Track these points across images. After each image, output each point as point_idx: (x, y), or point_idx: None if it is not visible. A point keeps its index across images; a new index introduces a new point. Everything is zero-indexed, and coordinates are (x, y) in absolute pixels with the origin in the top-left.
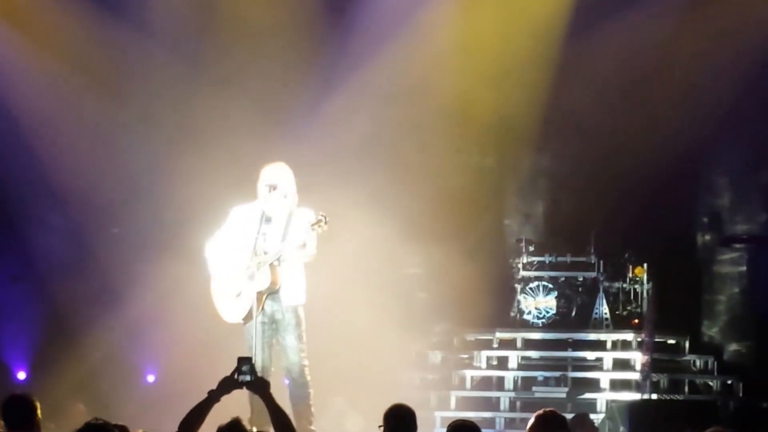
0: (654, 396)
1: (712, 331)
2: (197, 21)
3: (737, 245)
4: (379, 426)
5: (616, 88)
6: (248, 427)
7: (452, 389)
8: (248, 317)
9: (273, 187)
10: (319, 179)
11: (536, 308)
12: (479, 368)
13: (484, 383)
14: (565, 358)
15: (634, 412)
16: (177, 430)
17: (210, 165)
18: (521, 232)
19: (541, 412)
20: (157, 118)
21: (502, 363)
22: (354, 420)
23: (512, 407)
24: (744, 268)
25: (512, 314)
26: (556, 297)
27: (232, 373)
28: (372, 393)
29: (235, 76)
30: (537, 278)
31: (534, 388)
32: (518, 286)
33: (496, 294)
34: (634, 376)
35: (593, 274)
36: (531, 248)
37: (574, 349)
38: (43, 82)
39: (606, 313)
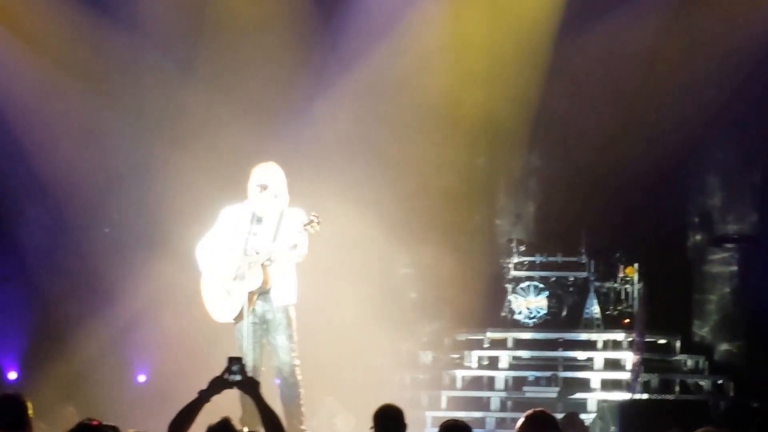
0: (645, 396)
1: (703, 330)
2: (187, 20)
3: (728, 245)
4: (371, 427)
5: (606, 88)
6: (239, 427)
7: (443, 389)
8: (239, 317)
9: (264, 187)
10: (309, 179)
11: (527, 308)
12: (470, 368)
13: (475, 383)
14: (555, 358)
15: (625, 412)
16: (167, 430)
17: (200, 164)
18: (512, 232)
19: (530, 412)
20: (147, 118)
21: (493, 363)
22: (345, 420)
23: (503, 407)
24: (735, 268)
25: (503, 314)
26: (547, 297)
27: (222, 373)
28: (363, 393)
29: (225, 76)
30: (528, 278)
31: (525, 388)
32: (509, 286)
33: (487, 294)
34: (625, 375)
35: (584, 274)
36: (522, 248)
37: (565, 349)
38: (34, 81)
39: (597, 313)
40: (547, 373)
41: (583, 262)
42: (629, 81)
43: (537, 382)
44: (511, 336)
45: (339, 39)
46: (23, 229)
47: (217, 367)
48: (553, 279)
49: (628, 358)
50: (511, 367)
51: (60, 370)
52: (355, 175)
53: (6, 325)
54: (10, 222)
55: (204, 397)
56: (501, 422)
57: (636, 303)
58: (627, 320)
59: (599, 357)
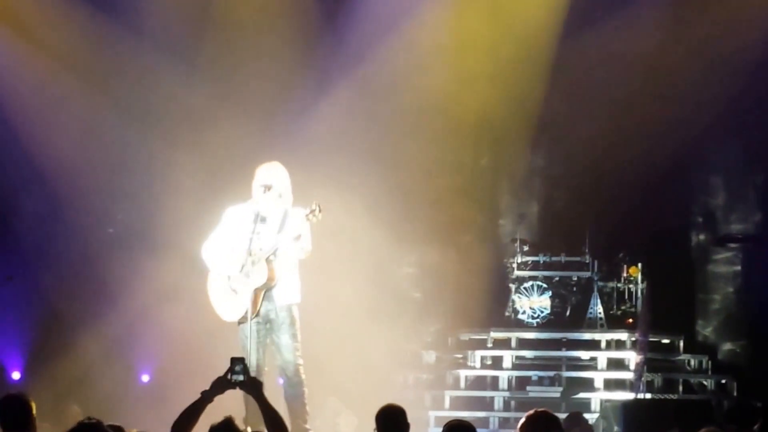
0: (648, 395)
1: (706, 330)
2: (191, 20)
3: (732, 245)
4: (374, 429)
5: (609, 88)
6: (243, 427)
7: (446, 389)
8: (246, 316)
9: (268, 187)
10: (311, 178)
11: (531, 308)
12: (473, 368)
13: (479, 383)
14: (559, 358)
15: (628, 412)
16: (170, 430)
17: (204, 164)
18: (516, 232)
19: (533, 412)
20: (150, 117)
21: (497, 362)
22: (348, 419)
23: (506, 407)
24: (738, 268)
25: (507, 314)
26: (550, 296)
27: (225, 374)
28: (366, 392)
29: (229, 76)
30: (531, 278)
31: (528, 388)
32: (513, 286)
33: (491, 294)
34: (629, 375)
35: (587, 274)
36: (525, 248)
37: (569, 349)
38: (37, 81)
39: (600, 313)
40: (551, 373)
41: (587, 261)
42: (632, 81)
43: (540, 381)
44: (514, 336)
45: (341, 39)
46: (28, 229)
47: (221, 367)
48: (557, 279)
49: (632, 357)
50: (515, 367)
51: (64, 369)
52: (359, 175)
53: (10, 325)
54: (15, 222)
55: (207, 397)
56: (504, 422)
57: (639, 303)
58: (630, 320)
59: (602, 357)
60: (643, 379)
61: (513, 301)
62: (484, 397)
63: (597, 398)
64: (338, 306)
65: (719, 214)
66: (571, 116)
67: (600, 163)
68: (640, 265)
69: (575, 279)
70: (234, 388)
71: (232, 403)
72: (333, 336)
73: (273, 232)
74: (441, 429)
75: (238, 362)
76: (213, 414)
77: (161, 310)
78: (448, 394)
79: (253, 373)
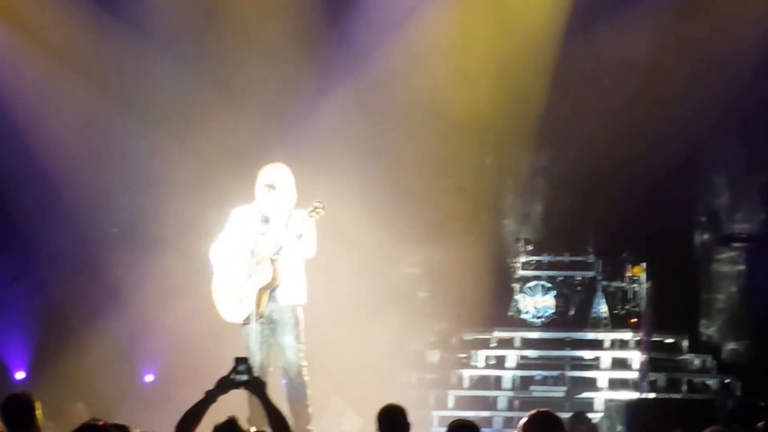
0: (652, 395)
1: (710, 330)
2: (194, 18)
3: (736, 244)
4: (377, 429)
5: (613, 87)
6: (246, 427)
7: (450, 388)
8: (250, 317)
9: (271, 188)
10: (315, 178)
11: (534, 307)
12: (477, 367)
13: (482, 382)
14: (563, 357)
15: (632, 411)
16: (174, 430)
17: (208, 164)
18: (520, 232)
19: (534, 412)
20: (155, 117)
21: (500, 362)
22: (352, 419)
23: (510, 406)
24: (742, 267)
25: (510, 313)
26: (554, 296)
27: (229, 373)
28: (370, 392)
29: (232, 75)
30: (535, 277)
31: (532, 388)
32: (516, 286)
33: (495, 293)
34: (633, 375)
35: (591, 274)
36: (529, 247)
37: (572, 349)
38: (43, 80)
39: (604, 312)
40: (555, 373)
41: (591, 261)
42: (636, 81)
43: (544, 381)
44: (518, 335)
45: (345, 38)
46: (33, 229)
47: (225, 367)
48: (561, 278)
49: (636, 357)
50: (519, 367)
51: (68, 369)
52: (363, 175)
53: (15, 324)
54: (20, 222)
55: (211, 397)
56: (508, 421)
57: (643, 302)
58: (634, 319)
59: (606, 356)
60: (646, 378)
61: (517, 301)
62: (487, 397)
63: (601, 398)
64: (342, 306)
65: (723, 214)
66: (575, 116)
67: (604, 162)
68: (644, 264)
69: (579, 278)
70: (237, 388)
71: (236, 403)
72: (337, 336)
73: (277, 231)
74: (445, 429)
75: (241, 362)
76: (217, 414)
77: (165, 310)
78: (452, 394)
79: (256, 374)
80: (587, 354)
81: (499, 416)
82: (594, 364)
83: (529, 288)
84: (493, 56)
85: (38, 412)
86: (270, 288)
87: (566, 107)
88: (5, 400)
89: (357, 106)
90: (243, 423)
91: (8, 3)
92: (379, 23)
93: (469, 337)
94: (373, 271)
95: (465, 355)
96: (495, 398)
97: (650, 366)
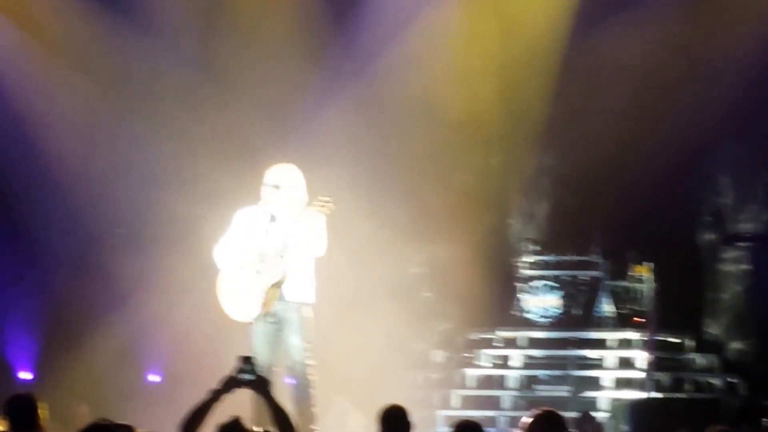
0: (657, 394)
1: (715, 329)
2: (201, 20)
3: (741, 244)
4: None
5: (618, 87)
6: (251, 427)
7: (455, 388)
8: (258, 315)
9: (276, 187)
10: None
11: (539, 307)
12: (482, 367)
13: (487, 382)
14: (567, 357)
15: (637, 411)
16: (179, 429)
17: (214, 164)
18: (525, 231)
19: (538, 411)
20: (161, 117)
21: (505, 362)
22: (356, 419)
23: (515, 406)
24: (747, 267)
25: (515, 313)
26: (559, 296)
27: (234, 373)
28: (375, 392)
29: (241, 77)
30: (540, 277)
31: (536, 387)
32: (522, 285)
33: (500, 293)
34: (637, 374)
35: (596, 273)
36: (534, 247)
37: (577, 348)
38: (50, 82)
39: (609, 312)
40: (559, 372)
41: (596, 260)
42: (641, 81)
43: (549, 380)
44: (523, 335)
45: (351, 39)
46: (39, 229)
47: (229, 367)
48: (566, 278)
49: (641, 356)
50: (523, 366)
51: (73, 369)
52: (368, 175)
53: (20, 325)
54: (26, 222)
55: (215, 396)
56: (513, 421)
57: (648, 302)
58: (639, 319)
59: (611, 356)
60: (652, 378)
61: (522, 300)
62: (492, 396)
63: (605, 397)
64: (346, 305)
65: (728, 213)
66: (580, 116)
67: (609, 162)
68: (649, 264)
69: (584, 278)
70: (242, 387)
71: (241, 403)
72: (342, 335)
73: (284, 229)
74: (449, 428)
75: (246, 361)
76: (221, 413)
77: (170, 311)
78: (457, 394)
79: (261, 373)
80: (592, 353)
81: (503, 416)
82: (599, 364)
83: (534, 287)
84: (498, 57)
85: (42, 413)
86: (277, 286)
87: (571, 107)
88: (9, 401)
89: (363, 106)
90: (247, 422)
91: (16, 4)
92: (385, 25)
93: (474, 336)
94: (379, 271)
95: (470, 355)
96: (499, 398)
97: (655, 365)
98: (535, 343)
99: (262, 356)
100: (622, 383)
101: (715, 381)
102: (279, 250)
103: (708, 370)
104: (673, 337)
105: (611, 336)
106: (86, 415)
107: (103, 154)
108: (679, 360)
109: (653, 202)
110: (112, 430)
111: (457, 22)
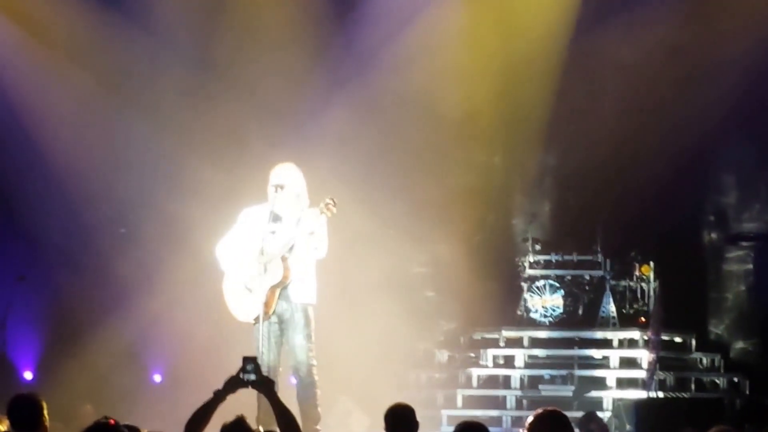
0: (660, 394)
1: (718, 329)
2: (203, 19)
3: (744, 243)
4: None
5: (621, 87)
6: (255, 426)
7: (459, 388)
8: (261, 316)
9: (280, 187)
10: (324, 178)
11: (543, 307)
12: (486, 367)
13: (491, 382)
14: (571, 357)
15: (641, 410)
16: (183, 430)
17: (217, 164)
18: (528, 231)
19: (541, 411)
20: (163, 117)
21: (509, 361)
22: (360, 419)
23: (519, 405)
24: (751, 266)
25: (519, 313)
26: (562, 295)
27: (238, 373)
28: (378, 392)
29: (242, 76)
30: (543, 277)
31: (540, 387)
32: (525, 285)
33: (503, 293)
34: (641, 374)
35: (600, 273)
36: (537, 247)
37: (581, 348)
38: (51, 81)
39: (612, 312)
40: (563, 372)
41: (599, 260)
42: (644, 80)
43: (553, 380)
44: (526, 334)
45: (353, 38)
46: (41, 229)
47: (234, 367)
48: (569, 277)
49: (644, 356)
50: (527, 366)
51: (77, 369)
52: (370, 175)
53: (23, 324)
54: (28, 221)
55: (219, 396)
56: (517, 420)
57: (651, 301)
58: (642, 318)
59: (615, 355)
60: (655, 377)
61: (525, 300)
62: (496, 396)
63: (609, 397)
64: (350, 305)
65: (731, 213)
66: (583, 116)
67: (612, 161)
68: (652, 263)
69: (587, 278)
70: (246, 387)
71: (245, 403)
72: (345, 335)
73: (288, 230)
74: (453, 428)
75: (250, 361)
76: (225, 413)
77: (174, 311)
78: (461, 393)
79: (266, 373)
80: (596, 353)
81: (507, 415)
82: (602, 363)
83: (538, 287)
84: (500, 56)
85: (44, 413)
86: (281, 286)
87: (573, 107)
88: (12, 401)
89: (364, 106)
90: (252, 422)
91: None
92: (386, 25)
93: (478, 336)
94: (382, 271)
95: (473, 355)
96: (503, 397)
97: (658, 365)
98: (538, 343)
99: (265, 356)
100: (625, 383)
101: (719, 380)
102: (283, 251)
103: (711, 370)
104: (676, 337)
105: (615, 335)
106: (89, 415)
107: (104, 153)
108: (682, 359)
109: (656, 201)
110: (118, 429)
111: (458, 22)
